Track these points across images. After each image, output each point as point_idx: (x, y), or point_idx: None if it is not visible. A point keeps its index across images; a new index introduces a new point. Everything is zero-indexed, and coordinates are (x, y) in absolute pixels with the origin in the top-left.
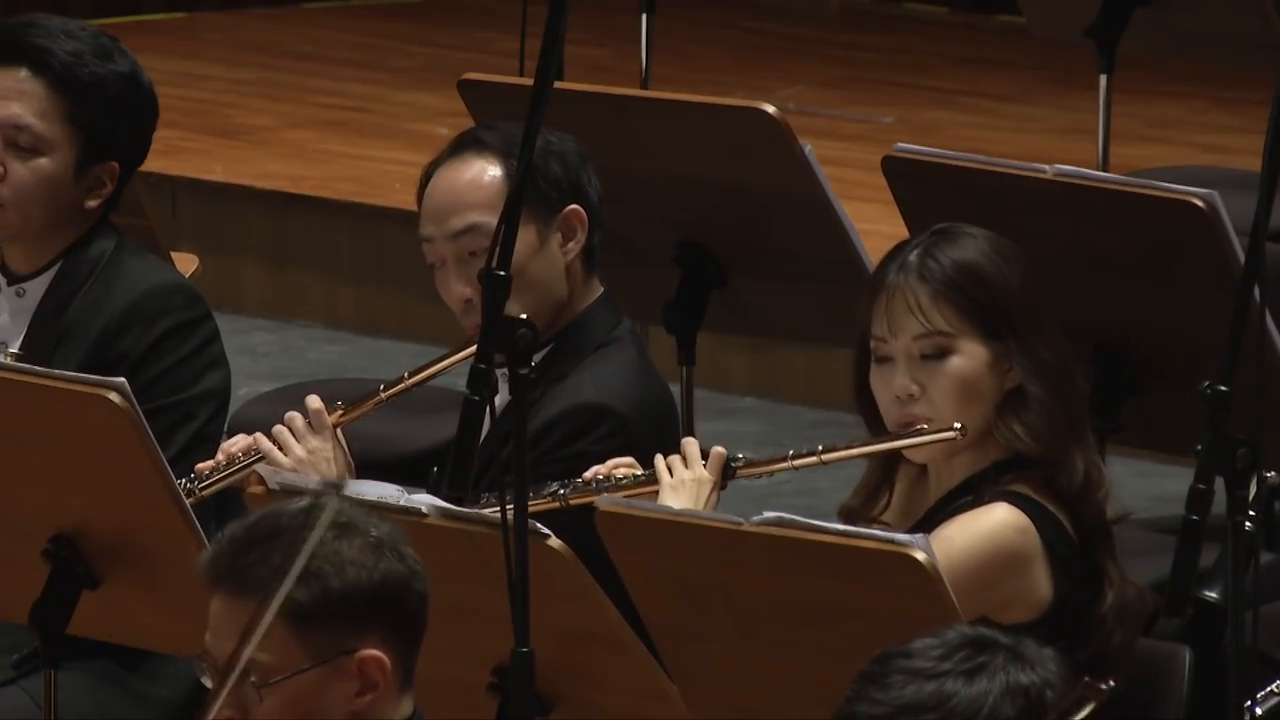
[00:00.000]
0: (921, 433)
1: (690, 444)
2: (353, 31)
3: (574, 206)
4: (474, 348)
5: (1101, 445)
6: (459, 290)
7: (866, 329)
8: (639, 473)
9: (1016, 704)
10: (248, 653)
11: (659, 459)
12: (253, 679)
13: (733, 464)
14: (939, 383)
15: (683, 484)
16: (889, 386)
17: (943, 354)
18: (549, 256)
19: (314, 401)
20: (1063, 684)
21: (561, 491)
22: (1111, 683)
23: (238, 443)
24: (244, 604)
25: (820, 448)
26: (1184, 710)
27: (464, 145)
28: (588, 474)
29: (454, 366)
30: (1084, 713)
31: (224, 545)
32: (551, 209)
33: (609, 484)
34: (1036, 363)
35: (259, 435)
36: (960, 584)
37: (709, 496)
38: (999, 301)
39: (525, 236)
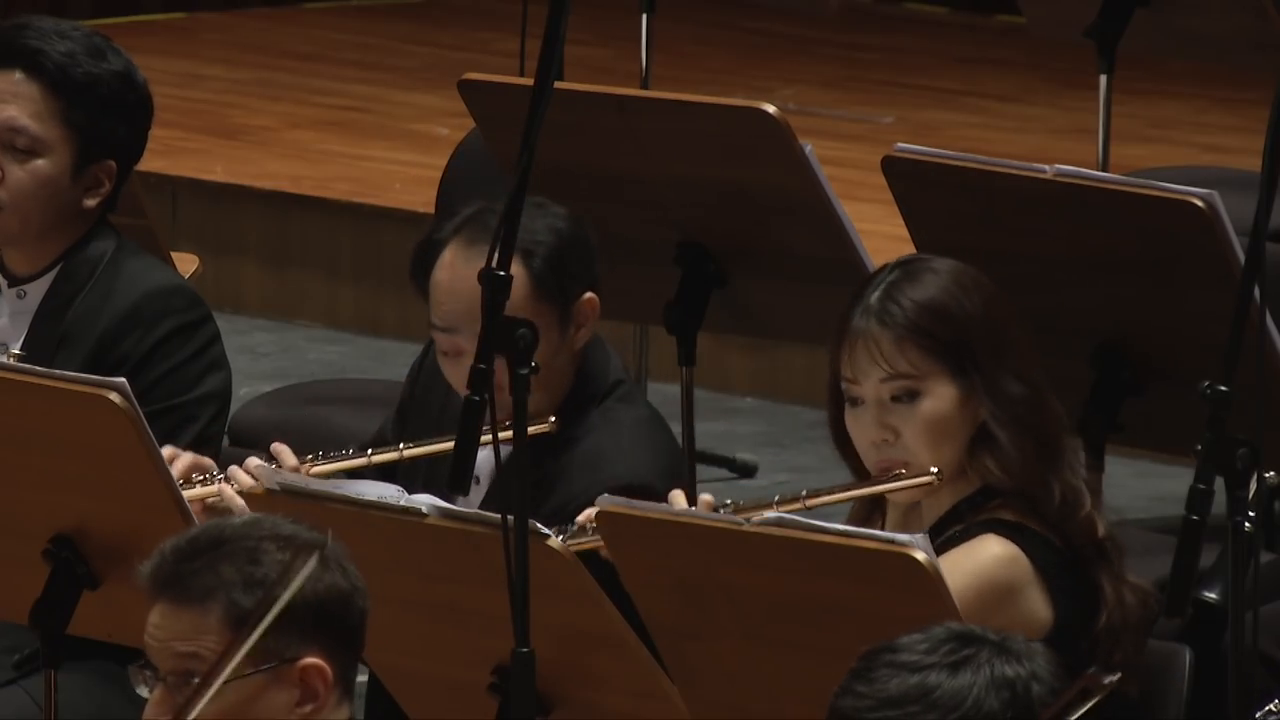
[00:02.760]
0: (900, 478)
1: (678, 496)
2: (353, 31)
3: (590, 295)
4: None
5: (1101, 445)
6: None
7: (836, 370)
8: None
9: (1002, 696)
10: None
11: None
12: (194, 683)
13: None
14: (911, 427)
15: None
16: (864, 431)
17: (912, 396)
18: (569, 347)
19: (288, 458)
20: (1052, 679)
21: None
22: (1116, 677)
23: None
24: (186, 612)
25: (804, 492)
26: (1184, 710)
27: (478, 236)
28: (580, 518)
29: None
30: (1087, 705)
31: (166, 555)
32: (571, 301)
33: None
34: (1002, 400)
35: (223, 486)
36: None
37: None
38: (963, 336)
39: (549, 336)
